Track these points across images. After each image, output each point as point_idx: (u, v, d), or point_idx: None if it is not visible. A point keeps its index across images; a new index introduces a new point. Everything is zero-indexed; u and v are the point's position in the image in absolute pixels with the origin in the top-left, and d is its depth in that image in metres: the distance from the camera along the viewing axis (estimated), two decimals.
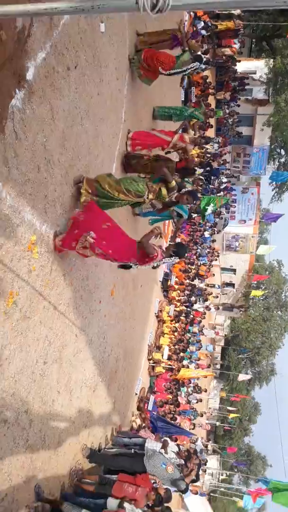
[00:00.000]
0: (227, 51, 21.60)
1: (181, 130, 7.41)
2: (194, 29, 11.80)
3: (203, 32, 15.34)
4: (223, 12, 18.90)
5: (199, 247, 18.39)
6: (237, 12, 18.63)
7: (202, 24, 14.77)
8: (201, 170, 14.02)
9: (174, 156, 7.92)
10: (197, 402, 16.02)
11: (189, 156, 7.54)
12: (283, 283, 39.01)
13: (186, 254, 5.10)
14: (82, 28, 4.80)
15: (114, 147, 6.68)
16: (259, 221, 34.71)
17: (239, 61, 23.40)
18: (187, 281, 14.87)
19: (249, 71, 26.97)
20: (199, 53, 7.39)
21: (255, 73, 27.24)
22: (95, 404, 6.60)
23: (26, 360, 4.07)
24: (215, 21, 18.31)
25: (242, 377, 31.53)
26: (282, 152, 32.70)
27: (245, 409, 43.26)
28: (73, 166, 4.89)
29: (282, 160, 33.16)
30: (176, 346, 12.66)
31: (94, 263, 5.97)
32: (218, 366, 41.41)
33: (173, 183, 5.29)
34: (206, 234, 19.89)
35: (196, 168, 8.47)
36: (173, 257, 4.77)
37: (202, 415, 16.57)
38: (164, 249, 4.84)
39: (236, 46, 21.95)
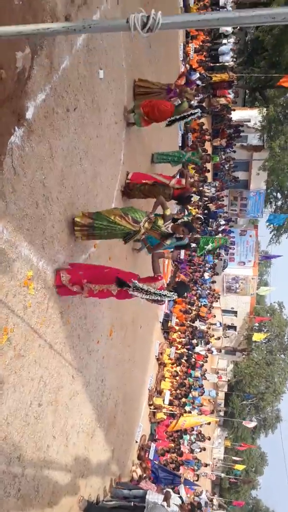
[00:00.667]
0: (222, 100, 22.57)
1: (178, 175, 7.59)
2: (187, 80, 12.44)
3: (199, 82, 16.08)
4: (217, 64, 19.93)
5: (199, 287, 18.28)
6: (230, 64, 19.63)
7: (198, 75, 15.52)
8: (198, 197, 14.23)
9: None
10: (200, 451, 15.27)
11: (187, 186, 7.67)
12: (285, 325, 38.46)
13: (185, 294, 5.05)
14: (81, 74, 5.00)
15: (112, 188, 6.78)
16: (259, 263, 34.89)
17: (234, 110, 24.38)
18: (188, 322, 14.64)
19: (244, 119, 28.03)
20: (203, 104, 7.69)
21: (249, 121, 28.29)
22: (93, 451, 6.27)
23: (20, 401, 3.90)
24: (209, 73, 19.23)
25: (246, 424, 30.39)
26: (279, 195, 33.35)
27: (251, 459, 41.35)
28: (72, 204, 4.93)
29: (279, 203, 33.74)
30: (178, 391, 12.24)
31: (93, 302, 5.88)
32: (221, 413, 39.98)
33: (168, 211, 5.33)
34: (206, 275, 19.84)
35: (192, 195, 8.58)
36: (172, 293, 4.68)
37: (206, 466, 15.74)
38: (165, 285, 4.78)
39: (231, 96, 22.92)
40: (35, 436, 4.27)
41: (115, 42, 6.34)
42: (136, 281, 4.54)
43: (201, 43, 14.86)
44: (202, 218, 17.73)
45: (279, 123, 23.42)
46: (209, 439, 16.87)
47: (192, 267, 15.74)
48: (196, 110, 7.49)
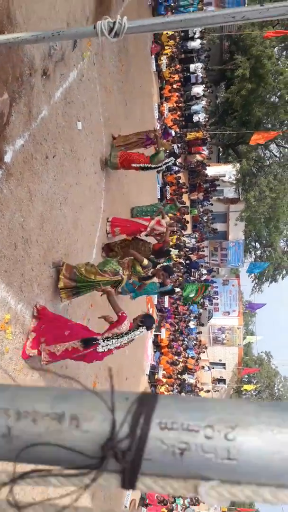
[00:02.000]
0: (197, 157, 23.68)
1: (156, 216, 7.71)
2: (163, 132, 13.07)
3: (173, 132, 16.90)
4: (191, 123, 21.10)
5: (186, 338, 17.99)
6: (203, 121, 20.75)
7: (173, 132, 16.34)
8: (176, 251, 14.42)
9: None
10: None
11: (166, 239, 7.74)
12: (274, 375, 37.76)
13: (153, 325, 5.01)
14: (60, 124, 5.17)
15: (93, 234, 6.81)
16: (243, 312, 34.88)
17: (209, 165, 25.53)
18: (176, 375, 14.20)
19: (219, 174, 29.27)
20: (175, 152, 7.99)
21: (224, 176, 29.56)
22: None
23: None
24: (184, 132, 20.29)
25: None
26: (257, 245, 34.15)
27: None
28: (51, 248, 4.89)
29: (258, 252, 34.45)
30: None
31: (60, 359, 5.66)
32: None
33: (145, 261, 5.36)
34: (191, 324, 19.62)
35: (170, 249, 8.63)
36: (141, 328, 4.60)
37: None
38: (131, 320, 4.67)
39: (205, 152, 24.08)
40: None
41: (92, 97, 6.65)
42: (100, 337, 4.31)
43: (174, 104, 15.79)
44: (184, 263, 17.91)
45: (253, 176, 24.48)
46: (204, 502, 15.76)
47: (177, 316, 15.58)
48: (169, 159, 7.76)
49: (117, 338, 4.33)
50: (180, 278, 18.48)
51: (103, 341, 4.24)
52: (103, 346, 4.23)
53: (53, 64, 4.72)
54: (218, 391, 33.88)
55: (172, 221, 7.84)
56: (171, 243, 15.68)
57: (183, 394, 16.26)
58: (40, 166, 4.53)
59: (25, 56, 3.93)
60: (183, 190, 17.87)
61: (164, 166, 7.89)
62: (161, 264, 5.44)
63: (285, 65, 21.84)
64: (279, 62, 21.72)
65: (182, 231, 15.37)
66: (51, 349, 4.18)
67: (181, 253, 18.74)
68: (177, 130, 17.48)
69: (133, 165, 7.52)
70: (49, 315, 4.50)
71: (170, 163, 7.87)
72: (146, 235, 7.66)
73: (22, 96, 4.03)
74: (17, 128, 3.98)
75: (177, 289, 13.39)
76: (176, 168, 16.50)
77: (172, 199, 15.06)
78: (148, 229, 7.29)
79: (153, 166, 7.85)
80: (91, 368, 6.49)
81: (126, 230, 7.46)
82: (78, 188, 5.92)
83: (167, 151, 8.09)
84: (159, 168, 8.22)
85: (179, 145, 16.46)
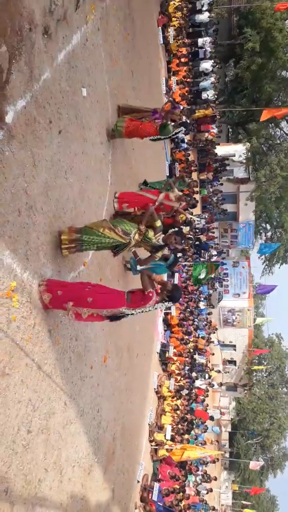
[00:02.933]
0: (206, 135, 23.19)
1: (165, 189, 7.51)
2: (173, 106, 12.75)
3: (183, 117, 16.51)
4: (199, 100, 20.56)
5: (196, 318, 17.89)
6: (212, 98, 20.24)
7: (181, 108, 15.94)
8: (188, 228, 14.21)
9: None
10: (207, 493, 14.33)
11: (176, 219, 7.54)
12: (284, 357, 37.69)
13: (180, 298, 4.90)
14: (63, 89, 4.96)
15: (101, 207, 6.64)
16: (253, 294, 34.66)
17: (218, 144, 25.01)
18: (186, 353, 14.15)
19: (229, 154, 28.72)
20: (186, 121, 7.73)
21: (234, 155, 29.01)
22: (91, 489, 5.74)
23: (6, 426, 3.53)
24: (192, 109, 19.79)
25: (253, 464, 28.93)
26: (268, 226, 33.70)
27: (260, 504, 39.17)
28: (58, 218, 4.74)
29: (269, 234, 34.03)
30: (180, 426, 11.59)
31: (84, 322, 5.56)
32: (227, 455, 38.30)
33: (159, 222, 5.19)
34: (201, 305, 19.51)
35: (182, 226, 8.43)
36: (167, 302, 4.44)
37: (214, 509, 14.69)
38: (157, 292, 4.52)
39: (214, 130, 23.57)
40: (24, 468, 3.85)
41: (97, 63, 6.41)
42: (127, 310, 4.39)
43: (182, 79, 15.36)
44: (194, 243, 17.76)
45: (263, 155, 23.98)
46: (215, 479, 15.89)
47: (186, 296, 15.43)
48: (180, 128, 7.51)
49: (142, 311, 4.47)
50: (189, 259, 18.32)
51: (129, 315, 4.44)
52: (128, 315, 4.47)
53: (55, 23, 4.49)
54: (228, 372, 33.96)
55: (181, 193, 7.58)
56: (180, 221, 15.46)
57: (193, 374, 16.26)
58: (43, 131, 4.35)
59: (24, 9, 3.71)
60: (192, 168, 17.52)
61: (174, 136, 7.62)
62: (172, 229, 5.27)
63: None
64: None
65: (192, 209, 15.07)
66: (78, 310, 4.29)
67: (191, 232, 18.54)
68: (185, 106, 17.04)
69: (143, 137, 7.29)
70: (60, 283, 4.40)
71: (180, 134, 7.59)
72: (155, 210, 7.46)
73: (23, 53, 3.83)
74: (18, 87, 3.79)
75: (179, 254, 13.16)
76: (185, 145, 16.15)
77: (181, 176, 14.77)
78: (157, 203, 7.02)
79: (162, 137, 7.62)
80: (101, 341, 6.42)
81: (135, 205, 7.26)
82: (84, 157, 5.73)
83: (177, 122, 7.81)
84: (170, 137, 7.90)
85: (188, 120, 16.06)
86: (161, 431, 10.71)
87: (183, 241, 5.54)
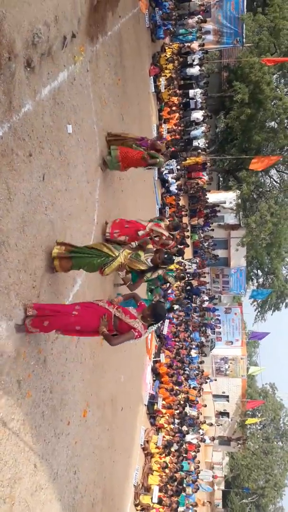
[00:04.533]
0: (198, 182, 23.55)
1: (156, 220, 7.53)
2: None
3: (174, 163, 16.70)
4: (191, 149, 20.99)
5: (187, 367, 17.16)
6: (203, 146, 20.68)
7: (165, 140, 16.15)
8: (179, 258, 14.01)
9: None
10: None
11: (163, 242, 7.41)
12: (279, 408, 36.32)
13: (165, 315, 5.00)
14: (47, 123, 4.78)
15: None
16: (246, 342, 33.93)
17: (209, 191, 25.39)
18: (176, 405, 13.34)
19: (219, 201, 29.17)
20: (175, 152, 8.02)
21: (224, 202, 29.45)
22: None
23: None
24: (184, 156, 20.15)
25: None
26: (259, 272, 33.62)
27: None
28: (35, 255, 4.40)
29: (260, 280, 33.90)
30: (169, 486, 10.64)
31: (60, 371, 5.07)
32: None
33: (150, 245, 5.20)
34: (193, 353, 18.82)
35: (174, 255, 8.32)
36: (155, 324, 4.37)
37: None
38: (141, 321, 4.33)
39: (205, 177, 23.96)
40: None
41: (85, 103, 6.33)
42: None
43: (174, 126, 15.66)
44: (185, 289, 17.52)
45: (253, 201, 24.27)
46: None
47: (177, 343, 14.83)
48: (171, 161, 7.58)
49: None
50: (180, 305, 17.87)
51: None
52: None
53: (39, 56, 4.37)
54: (221, 424, 32.49)
55: (169, 223, 7.54)
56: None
57: (184, 427, 15.35)
58: (21, 163, 4.10)
59: (3, 37, 3.56)
60: (183, 212, 17.52)
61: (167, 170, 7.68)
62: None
63: (284, 92, 22.01)
64: (277, 89, 21.86)
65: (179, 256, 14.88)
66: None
67: (181, 282, 18.21)
68: (177, 151, 17.28)
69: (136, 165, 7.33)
70: (47, 307, 4.21)
71: (173, 165, 7.64)
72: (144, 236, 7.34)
73: (0, 83, 3.64)
74: None
75: (176, 306, 12.89)
76: (175, 190, 16.19)
77: (170, 215, 14.71)
78: (147, 229, 7.00)
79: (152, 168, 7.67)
80: (81, 393, 5.86)
81: (126, 231, 7.12)
82: (67, 194, 5.48)
83: (163, 152, 7.84)
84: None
85: (178, 166, 16.22)
86: (147, 493, 9.79)
87: (167, 263, 5.70)
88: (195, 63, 19.31)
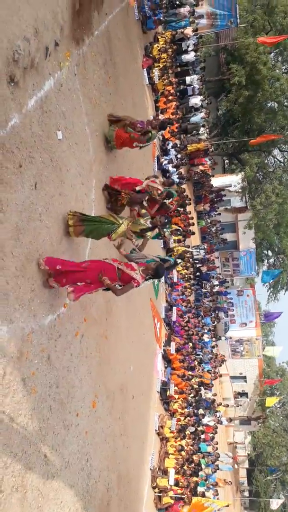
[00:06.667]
0: (200, 168, 23.53)
1: (152, 177, 8.28)
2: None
3: (173, 151, 16.76)
4: (192, 138, 20.94)
5: (200, 352, 17.44)
6: (203, 132, 20.63)
7: (171, 144, 16.22)
8: (180, 260, 14.45)
9: None
10: None
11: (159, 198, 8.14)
12: None
13: (163, 275, 5.95)
14: (36, 133, 5.00)
15: (84, 247, 6.58)
16: (261, 323, 34.07)
17: (213, 176, 25.35)
18: (189, 390, 13.64)
19: (225, 185, 29.10)
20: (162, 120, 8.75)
21: (230, 186, 29.37)
22: None
23: None
24: (184, 143, 20.12)
25: (274, 503, 27.45)
26: (269, 253, 33.58)
27: None
28: (31, 261, 4.66)
29: (271, 260, 33.89)
30: (185, 468, 11.02)
31: (66, 366, 5.38)
32: (246, 494, 36.55)
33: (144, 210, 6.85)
34: (205, 338, 19.08)
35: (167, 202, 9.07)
36: (152, 279, 5.21)
37: None
38: (142, 271, 5.10)
39: (208, 163, 23.92)
40: None
41: (74, 107, 6.50)
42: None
43: (171, 115, 15.67)
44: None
45: (258, 183, 24.19)
46: None
47: (188, 330, 15.05)
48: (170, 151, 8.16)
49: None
50: (189, 291, 18.11)
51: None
52: None
53: (21, 71, 4.57)
54: (240, 405, 32.89)
55: (164, 179, 8.25)
56: (175, 253, 15.40)
57: (200, 410, 15.68)
58: (11, 175, 4.33)
59: None
60: (187, 201, 17.59)
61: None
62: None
63: (281, 71, 21.74)
64: (275, 67, 21.61)
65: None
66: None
67: (188, 264, 18.40)
68: (176, 142, 17.33)
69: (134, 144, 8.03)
70: (58, 262, 4.94)
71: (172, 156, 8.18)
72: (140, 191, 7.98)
73: None
74: None
75: (179, 261, 13.50)
76: (177, 178, 16.24)
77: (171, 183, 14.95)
78: (144, 184, 7.83)
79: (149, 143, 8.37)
80: (88, 386, 6.17)
81: (124, 187, 7.87)
82: (62, 198, 5.71)
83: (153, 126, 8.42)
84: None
85: (179, 155, 16.27)
86: (165, 475, 10.18)
87: (166, 221, 6.70)
88: (190, 49, 19.16)
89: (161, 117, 14.78)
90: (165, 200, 8.41)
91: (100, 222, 5.99)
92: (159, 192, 8.08)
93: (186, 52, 19.18)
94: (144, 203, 7.40)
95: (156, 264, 5.22)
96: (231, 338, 30.64)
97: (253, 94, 20.36)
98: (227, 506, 14.02)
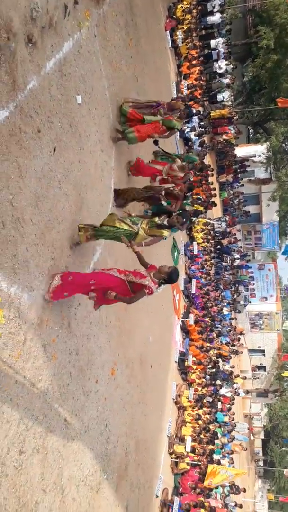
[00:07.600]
0: (224, 137, 22.83)
1: (169, 161, 7.84)
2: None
3: (196, 119, 16.24)
4: (216, 105, 20.26)
5: (219, 324, 17.45)
6: (228, 99, 19.92)
7: (194, 111, 15.71)
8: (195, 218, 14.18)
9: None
10: (235, 505, 13.79)
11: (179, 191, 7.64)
12: None
13: (177, 280, 5.39)
14: (54, 97, 4.86)
15: (103, 215, 6.49)
16: (282, 298, 33.78)
17: (237, 145, 24.59)
18: (207, 361, 13.72)
19: (249, 155, 28.25)
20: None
21: (254, 156, 28.51)
22: (100, 508, 5.55)
23: None
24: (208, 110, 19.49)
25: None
26: None
27: None
28: (51, 229, 4.62)
29: None
30: (202, 436, 11.23)
31: (85, 334, 5.42)
32: (261, 463, 37.27)
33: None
34: (225, 310, 19.05)
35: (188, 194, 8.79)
36: (165, 284, 4.69)
37: None
38: (153, 276, 4.65)
39: (232, 131, 23.16)
40: (16, 490, 3.70)
41: (94, 70, 6.29)
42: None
43: (194, 81, 15.12)
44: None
45: (284, 153, 23.38)
46: (245, 490, 15.29)
47: (207, 302, 15.02)
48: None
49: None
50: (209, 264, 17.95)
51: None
52: None
53: (39, 30, 4.39)
54: (258, 378, 33.12)
55: (184, 163, 7.77)
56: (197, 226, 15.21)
57: (218, 382, 15.84)
58: (30, 140, 4.24)
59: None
60: (209, 172, 17.19)
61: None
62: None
63: None
64: None
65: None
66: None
67: (209, 236, 18.18)
68: (199, 109, 16.77)
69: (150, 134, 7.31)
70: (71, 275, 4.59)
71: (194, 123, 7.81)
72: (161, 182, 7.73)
73: (1, 63, 3.74)
74: None
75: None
76: (198, 147, 15.81)
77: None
78: (164, 175, 7.53)
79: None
80: (107, 354, 6.23)
81: (143, 175, 7.79)
82: (81, 166, 5.61)
83: (181, 110, 7.78)
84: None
85: (202, 123, 15.77)
86: (181, 443, 10.40)
87: (185, 220, 6.29)
88: (215, 10, 18.28)
89: (184, 82, 14.26)
90: (187, 194, 8.15)
91: (116, 233, 5.45)
92: (180, 179, 7.67)
93: (211, 13, 18.31)
94: (163, 201, 6.88)
95: (170, 268, 4.70)
96: (248, 312, 30.53)
97: (282, 59, 19.39)
98: (244, 474, 14.32)
